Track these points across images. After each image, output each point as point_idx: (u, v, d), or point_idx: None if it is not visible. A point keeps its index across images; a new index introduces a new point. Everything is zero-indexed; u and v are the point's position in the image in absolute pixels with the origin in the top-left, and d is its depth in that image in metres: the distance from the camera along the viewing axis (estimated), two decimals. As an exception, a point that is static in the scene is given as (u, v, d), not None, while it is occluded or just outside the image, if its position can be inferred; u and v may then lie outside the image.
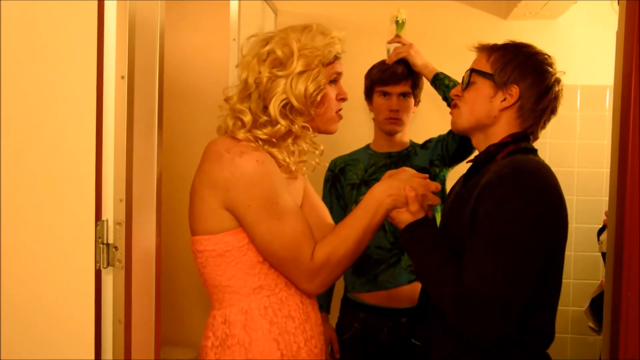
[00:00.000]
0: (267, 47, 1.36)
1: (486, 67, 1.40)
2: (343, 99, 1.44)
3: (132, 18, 1.33)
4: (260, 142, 1.35)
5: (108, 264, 1.32)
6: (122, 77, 1.32)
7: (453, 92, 1.47)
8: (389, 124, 2.11)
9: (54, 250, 1.30)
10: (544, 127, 1.43)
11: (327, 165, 2.25)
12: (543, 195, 1.24)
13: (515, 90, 1.36)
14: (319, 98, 1.36)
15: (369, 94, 2.18)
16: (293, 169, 1.41)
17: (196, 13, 2.62)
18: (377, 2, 2.68)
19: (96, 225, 1.29)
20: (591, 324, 2.28)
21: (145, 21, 1.44)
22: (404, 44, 2.13)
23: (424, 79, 2.13)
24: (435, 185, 1.39)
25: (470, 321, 1.22)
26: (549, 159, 2.67)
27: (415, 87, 2.12)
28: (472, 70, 1.43)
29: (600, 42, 2.64)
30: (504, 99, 1.37)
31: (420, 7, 2.65)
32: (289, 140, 1.40)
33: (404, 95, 2.10)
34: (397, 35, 2.21)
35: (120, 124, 1.32)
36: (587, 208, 2.64)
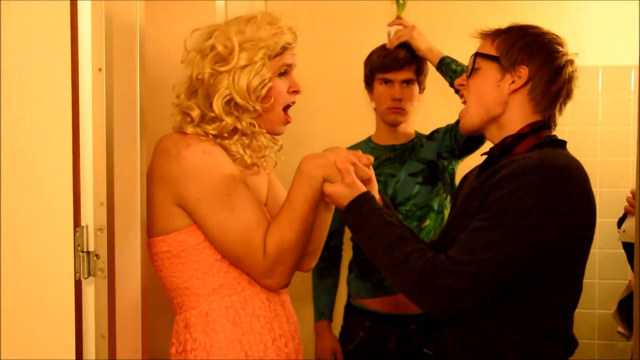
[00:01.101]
0: (209, 42, 1.43)
1: (491, 51, 1.42)
2: (295, 92, 1.48)
3: (108, 6, 1.34)
4: (210, 137, 1.41)
5: (89, 274, 1.32)
6: (100, 70, 1.33)
7: (457, 81, 1.49)
8: (391, 114, 2.13)
9: (29, 260, 1.30)
10: (560, 111, 1.44)
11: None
12: (567, 194, 1.25)
13: (524, 71, 1.38)
14: (263, 92, 1.42)
15: (369, 82, 2.19)
16: (248, 161, 1.45)
17: (179, 2, 2.63)
18: (376, -18, 2.69)
19: (75, 232, 1.30)
20: (620, 329, 2.29)
21: (123, 9, 1.45)
22: (405, 26, 2.14)
23: (429, 64, 2.14)
24: (367, 157, 1.42)
25: (437, 290, 1.23)
26: (568, 147, 2.68)
27: (420, 73, 2.14)
28: (477, 55, 1.45)
29: (623, 19, 2.65)
30: (513, 82, 1.38)
31: (423, -15, 2.66)
32: (237, 137, 1.44)
33: (408, 82, 2.12)
34: (398, 17, 2.21)
35: (98, 120, 1.33)
36: (611, 201, 2.65)
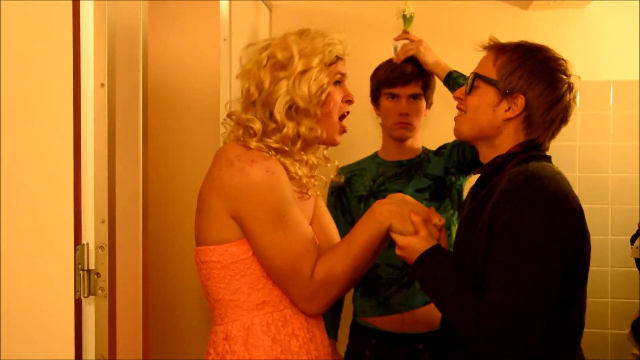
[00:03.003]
0: (267, 52, 1.46)
1: (491, 72, 1.43)
2: (349, 101, 1.53)
3: (111, 20, 1.35)
4: (272, 152, 1.44)
5: (89, 293, 1.33)
6: (102, 85, 1.34)
7: (456, 93, 1.52)
8: (398, 129, 2.13)
9: (28, 278, 1.31)
10: (552, 137, 1.46)
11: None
12: (561, 202, 1.30)
13: (521, 101, 1.40)
14: (323, 97, 1.46)
15: (375, 97, 2.19)
16: (304, 182, 1.50)
17: (183, 11, 2.65)
18: (382, -5, 2.70)
19: (75, 250, 1.30)
20: (635, 350, 2.26)
21: (126, 23, 1.46)
22: (412, 41, 2.14)
23: (436, 79, 2.15)
24: (439, 217, 1.45)
25: (496, 339, 1.25)
26: (578, 163, 2.68)
27: (427, 88, 2.14)
28: (476, 75, 1.46)
29: (635, 32, 2.65)
30: (509, 109, 1.41)
31: (430, -1, 2.68)
32: (299, 145, 1.47)
33: (414, 97, 2.12)
34: (405, 31, 2.22)
35: (100, 137, 1.34)
36: (623, 218, 2.63)
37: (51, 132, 1.31)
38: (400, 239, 1.41)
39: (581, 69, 2.62)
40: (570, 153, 2.65)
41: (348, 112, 1.55)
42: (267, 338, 1.42)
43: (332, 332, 2.22)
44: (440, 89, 2.17)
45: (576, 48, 2.67)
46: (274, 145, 1.44)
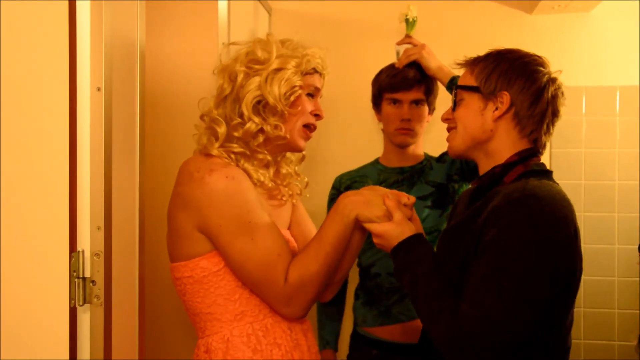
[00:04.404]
0: (247, 49, 1.51)
1: (471, 81, 1.48)
2: (318, 116, 1.56)
3: (108, 22, 1.36)
4: (233, 156, 1.46)
5: (84, 301, 1.33)
6: (98, 89, 1.34)
7: (443, 116, 1.55)
8: (400, 135, 2.13)
9: (23, 286, 1.31)
10: (548, 132, 1.47)
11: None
12: (555, 225, 1.28)
13: (506, 97, 1.42)
14: (292, 98, 1.50)
15: (377, 102, 2.20)
16: (269, 185, 1.51)
17: (181, 15, 2.66)
18: (384, -1, 2.72)
19: (70, 257, 1.31)
20: (643, 362, 2.26)
21: (123, 25, 1.47)
22: (415, 45, 2.15)
23: (439, 84, 2.16)
24: (407, 197, 1.47)
25: (465, 353, 1.24)
26: (584, 171, 2.68)
27: (429, 94, 2.15)
28: (457, 88, 1.51)
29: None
30: (496, 108, 1.43)
31: (433, 3, 2.69)
32: (260, 139, 1.48)
33: (417, 102, 2.13)
34: (408, 36, 2.23)
35: (96, 142, 1.34)
36: (630, 226, 2.63)
37: (46, 137, 1.31)
38: (375, 228, 1.42)
39: (587, 73, 2.67)
40: (575, 160, 2.65)
41: (315, 126, 1.57)
42: (247, 349, 1.43)
43: (332, 342, 2.22)
44: (443, 95, 2.18)
45: (582, 52, 2.68)
46: (236, 149, 1.46)
